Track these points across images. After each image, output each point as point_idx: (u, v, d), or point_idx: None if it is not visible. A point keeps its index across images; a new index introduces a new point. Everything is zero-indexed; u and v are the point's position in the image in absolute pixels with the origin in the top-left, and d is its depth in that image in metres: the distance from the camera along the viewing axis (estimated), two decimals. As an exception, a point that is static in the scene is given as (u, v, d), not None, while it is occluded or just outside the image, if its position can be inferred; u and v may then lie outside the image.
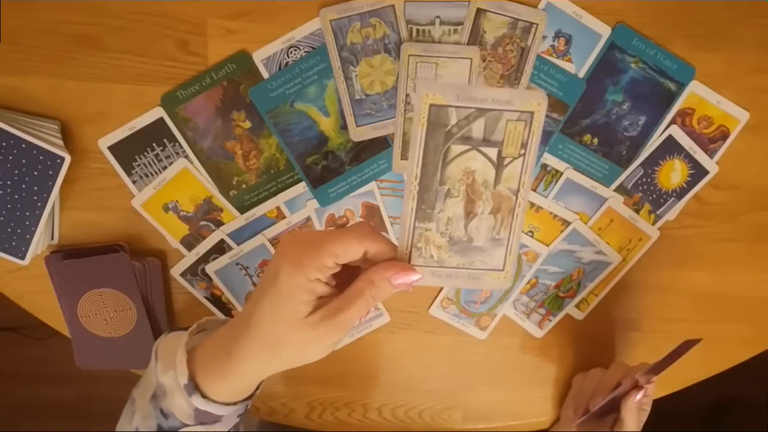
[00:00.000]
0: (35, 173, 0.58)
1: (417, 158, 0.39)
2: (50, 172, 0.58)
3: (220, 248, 0.66)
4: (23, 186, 0.58)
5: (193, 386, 0.44)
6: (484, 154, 0.39)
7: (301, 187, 0.66)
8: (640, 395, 0.58)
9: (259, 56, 0.62)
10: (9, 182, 0.58)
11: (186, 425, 0.45)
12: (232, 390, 0.45)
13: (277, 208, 0.66)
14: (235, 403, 0.46)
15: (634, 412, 0.59)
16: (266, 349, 0.42)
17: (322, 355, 0.42)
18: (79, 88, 0.62)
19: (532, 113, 0.38)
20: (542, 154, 0.65)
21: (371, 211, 0.67)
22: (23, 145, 0.57)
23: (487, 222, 0.40)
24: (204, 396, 0.44)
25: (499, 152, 0.39)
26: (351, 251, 0.39)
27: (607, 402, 0.59)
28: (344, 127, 0.64)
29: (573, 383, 0.70)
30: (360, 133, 0.64)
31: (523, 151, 0.39)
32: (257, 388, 0.48)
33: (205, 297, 0.68)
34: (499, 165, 0.39)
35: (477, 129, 0.38)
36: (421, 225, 0.40)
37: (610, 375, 0.63)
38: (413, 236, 0.40)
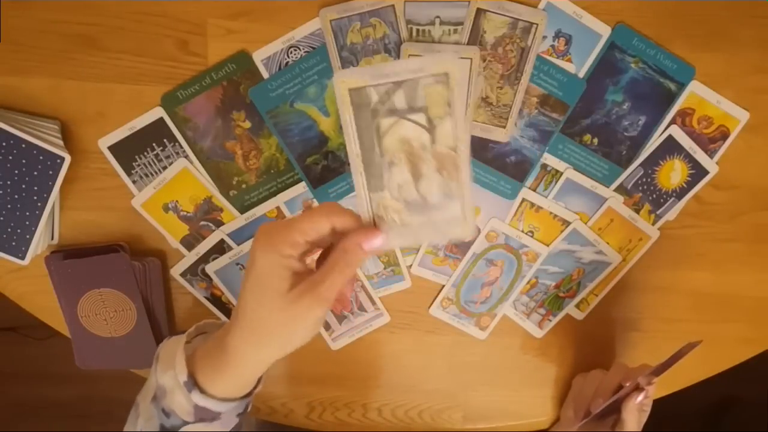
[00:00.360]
0: (35, 173, 0.58)
1: (353, 140, 0.41)
2: (50, 172, 0.58)
3: (220, 248, 0.66)
4: (23, 186, 0.58)
5: (192, 383, 0.45)
6: (414, 121, 0.41)
7: (301, 187, 0.66)
8: (641, 397, 0.58)
9: (259, 56, 0.62)
10: (9, 182, 0.58)
11: (186, 422, 0.46)
12: (232, 385, 0.46)
13: (277, 208, 0.66)
14: (234, 399, 0.46)
15: (635, 413, 0.59)
16: (253, 333, 0.43)
17: (309, 335, 0.43)
18: (79, 88, 0.62)
19: (446, 74, 0.39)
20: (542, 154, 0.65)
21: (371, 211, 0.67)
22: (23, 145, 0.57)
23: (435, 180, 0.42)
24: (203, 392, 0.45)
25: (427, 116, 0.41)
26: (318, 227, 0.42)
27: (607, 404, 0.59)
28: (344, 127, 0.64)
29: (573, 384, 0.70)
30: (360, 133, 0.64)
31: (449, 109, 0.40)
32: (256, 386, 0.48)
33: (205, 297, 0.68)
34: (431, 128, 0.41)
35: (399, 100, 0.40)
36: (375, 195, 0.42)
37: (611, 377, 0.63)
38: (372, 207, 0.43)
